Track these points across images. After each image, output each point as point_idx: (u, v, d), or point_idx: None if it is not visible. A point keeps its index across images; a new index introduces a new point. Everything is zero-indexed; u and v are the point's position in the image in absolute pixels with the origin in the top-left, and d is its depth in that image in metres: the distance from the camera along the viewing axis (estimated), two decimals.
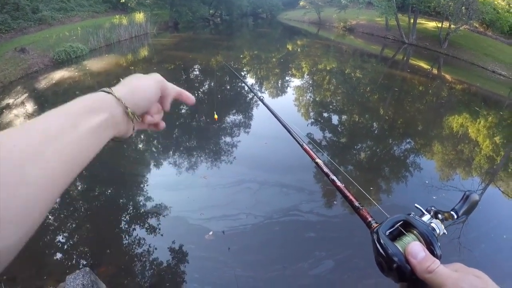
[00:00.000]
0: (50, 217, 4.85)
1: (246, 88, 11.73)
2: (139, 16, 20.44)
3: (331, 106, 10.63)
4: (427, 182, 6.02)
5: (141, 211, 4.97)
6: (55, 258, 4.08)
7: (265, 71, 14.72)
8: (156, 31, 22.11)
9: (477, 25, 21.81)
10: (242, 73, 13.88)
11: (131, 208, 5.07)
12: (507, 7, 20.85)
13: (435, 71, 17.04)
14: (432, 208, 0.59)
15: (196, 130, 8.12)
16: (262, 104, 1.44)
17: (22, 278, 3.64)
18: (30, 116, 8.25)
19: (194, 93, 10.81)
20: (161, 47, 18.68)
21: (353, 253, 4.13)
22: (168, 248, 4.19)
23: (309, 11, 33.33)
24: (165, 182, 5.81)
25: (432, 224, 0.55)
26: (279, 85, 13.06)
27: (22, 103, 9.14)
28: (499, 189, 6.44)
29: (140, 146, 7.39)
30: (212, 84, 11.47)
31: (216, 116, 6.18)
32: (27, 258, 3.68)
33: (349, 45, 23.43)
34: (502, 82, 15.92)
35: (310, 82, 13.39)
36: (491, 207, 5.68)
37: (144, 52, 17.32)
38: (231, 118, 8.64)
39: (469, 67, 17.93)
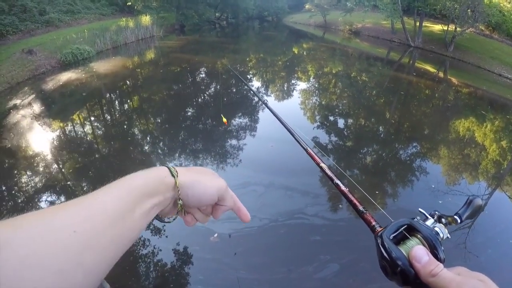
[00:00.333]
0: None
1: (252, 90, 11.74)
2: (146, 19, 20.58)
3: (337, 110, 10.61)
4: (433, 186, 5.98)
5: None
6: None
7: (271, 74, 14.74)
8: (163, 34, 22.23)
9: (483, 28, 21.68)
10: (248, 76, 13.91)
11: None
12: None
13: (441, 74, 16.97)
14: (436, 212, 0.59)
15: (202, 132, 8.14)
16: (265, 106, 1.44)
17: None
18: (37, 117, 8.31)
19: (200, 96, 10.87)
20: (168, 49, 18.78)
21: (358, 257, 4.11)
22: (172, 249, 4.20)
23: (314, 14, 33.32)
24: None
25: (436, 229, 0.55)
26: (285, 88, 13.06)
27: (29, 104, 9.22)
28: (506, 194, 6.39)
29: (146, 147, 7.43)
30: (218, 87, 11.49)
31: (225, 120, 6.18)
32: None
33: (355, 48, 23.39)
34: (508, 85, 15.80)
35: (316, 86, 13.39)
36: (498, 212, 5.65)
37: (150, 55, 17.42)
38: (237, 121, 8.65)
39: (475, 70, 17.82)
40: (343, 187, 0.75)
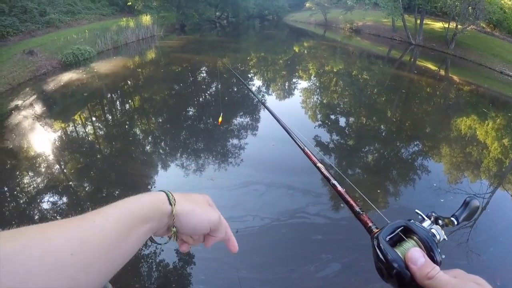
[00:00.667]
0: (58, 217, 4.88)
1: (253, 89, 11.74)
2: (146, 19, 20.57)
3: (338, 108, 10.60)
4: (435, 185, 5.97)
5: None
6: None
7: (272, 73, 14.74)
8: (163, 34, 22.23)
9: (484, 25, 21.63)
10: (249, 75, 13.91)
11: None
12: None
13: (442, 72, 16.94)
14: (433, 214, 0.59)
15: (203, 132, 8.14)
16: (270, 105, 1.45)
17: None
18: (38, 117, 8.32)
19: (201, 95, 10.87)
20: (168, 49, 18.78)
21: (359, 256, 4.11)
22: (174, 249, 4.20)
23: (315, 13, 33.29)
24: (172, 183, 5.82)
25: (433, 230, 0.55)
26: (286, 87, 13.05)
27: (31, 104, 9.23)
28: (508, 192, 6.38)
29: (148, 147, 7.43)
30: (219, 86, 11.48)
31: (220, 120, 6.17)
32: None
33: (355, 47, 23.36)
34: (510, 82, 15.77)
35: (317, 84, 13.38)
36: (500, 210, 5.64)
37: (151, 54, 17.42)
38: (238, 120, 8.65)
39: (476, 68, 17.79)
40: (339, 188, 0.75)
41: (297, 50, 20.95)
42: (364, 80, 14.11)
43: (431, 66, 17.60)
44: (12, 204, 5.28)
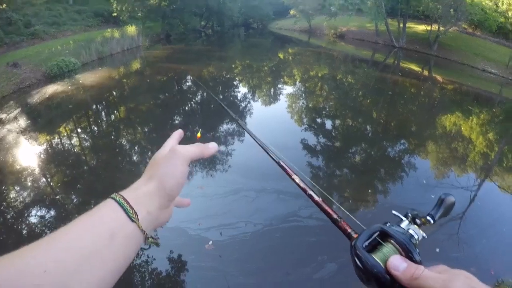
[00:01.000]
0: (46, 231, 4.80)
1: (239, 96, 11.76)
2: (131, 29, 20.51)
3: (324, 112, 10.65)
4: (424, 181, 6.05)
5: None
6: None
7: (257, 80, 14.77)
8: (148, 44, 22.16)
9: (465, 26, 22.10)
10: (234, 82, 13.96)
11: None
12: (494, 7, 21.17)
13: (426, 73, 17.22)
14: (409, 214, 0.58)
15: (189, 140, 8.07)
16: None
17: None
18: (23, 131, 8.20)
19: (187, 104, 10.85)
20: (153, 59, 18.74)
21: None
22: (167, 258, 4.14)
23: (299, 20, 33.55)
24: None
25: (410, 231, 0.54)
26: (271, 93, 13.08)
27: (15, 118, 9.09)
28: (495, 184, 6.50)
29: (135, 157, 7.37)
30: (204, 94, 11.46)
31: (199, 135, 6.13)
32: None
33: (340, 52, 23.62)
34: (492, 80, 16.14)
35: (302, 89, 13.44)
36: (489, 202, 5.74)
37: (136, 65, 17.36)
38: (224, 127, 8.62)
39: (459, 67, 18.15)
40: (316, 198, 0.75)
41: (282, 57, 21.07)
42: (349, 83, 14.26)
43: (414, 67, 17.89)
44: None
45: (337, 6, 25.17)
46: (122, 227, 0.47)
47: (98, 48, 16.83)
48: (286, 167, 0.88)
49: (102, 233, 0.45)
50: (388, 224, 0.55)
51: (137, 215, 0.49)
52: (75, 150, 7.65)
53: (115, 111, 10.62)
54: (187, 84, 13.59)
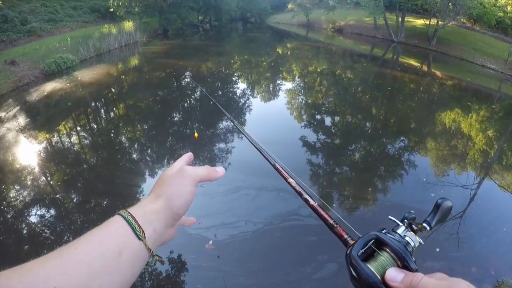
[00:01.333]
0: (46, 230, 4.80)
1: (237, 92, 11.73)
2: (128, 25, 20.39)
3: (323, 108, 10.64)
4: (424, 180, 6.05)
5: None
6: None
7: (255, 75, 14.72)
8: (146, 39, 22.05)
9: (464, 21, 22.05)
10: (233, 78, 13.92)
11: None
12: (493, 1, 21.11)
13: (425, 68, 17.18)
14: (406, 220, 0.57)
15: (189, 137, 8.08)
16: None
17: None
18: (22, 129, 8.18)
19: (186, 100, 10.82)
20: (151, 55, 18.66)
21: None
22: (167, 258, 4.14)
23: (297, 14, 33.40)
24: None
25: (406, 238, 0.53)
26: (270, 88, 13.04)
27: (14, 116, 9.06)
28: (495, 182, 6.50)
29: (134, 155, 7.35)
30: (203, 91, 11.43)
31: (196, 134, 6.12)
32: None
33: (338, 46, 23.55)
34: (492, 75, 16.10)
35: (301, 85, 13.42)
36: (489, 201, 5.74)
37: (134, 61, 17.29)
38: (224, 124, 8.60)
39: (458, 62, 18.10)
40: (312, 202, 0.74)
41: (280, 52, 21.01)
42: (348, 79, 14.22)
43: (413, 62, 17.84)
44: None
45: None
46: (130, 245, 0.48)
47: (95, 44, 16.76)
48: (282, 170, 0.88)
49: (110, 250, 0.45)
50: (384, 231, 0.54)
51: (144, 233, 0.50)
52: (75, 148, 7.64)
53: (114, 108, 10.59)
54: (186, 80, 13.52)
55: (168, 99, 11.15)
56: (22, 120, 8.91)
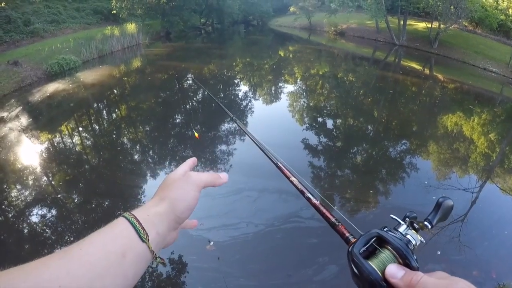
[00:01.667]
0: (47, 230, 4.81)
1: (239, 95, 11.74)
2: (131, 27, 20.45)
3: (325, 111, 10.65)
4: (426, 183, 6.04)
5: None
6: None
7: (257, 78, 14.74)
8: (148, 41, 22.08)
9: (466, 24, 22.03)
10: (235, 81, 13.93)
11: None
12: (495, 4, 21.11)
13: (427, 71, 17.17)
14: (407, 218, 0.57)
15: (191, 139, 8.08)
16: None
17: None
18: (24, 129, 8.20)
19: (188, 102, 10.83)
20: (154, 57, 18.70)
21: None
22: (168, 259, 4.15)
23: (299, 17, 33.44)
24: None
25: (408, 236, 0.53)
26: (272, 91, 13.07)
27: (17, 116, 9.09)
28: (497, 186, 6.48)
29: (136, 156, 7.36)
30: (205, 93, 11.44)
31: (197, 134, 6.13)
32: None
33: (340, 49, 23.54)
34: (493, 79, 16.08)
35: (303, 88, 13.42)
36: (491, 204, 5.73)
37: (137, 63, 17.32)
38: (226, 125, 8.60)
39: (460, 65, 18.08)
40: (314, 200, 0.73)
41: (282, 55, 21.01)
42: (350, 82, 14.23)
43: (415, 65, 17.84)
44: (0, 218, 5.17)
45: (337, 2, 25.03)
46: (133, 247, 0.48)
47: (98, 46, 16.80)
48: (285, 169, 0.88)
49: (114, 251, 0.46)
50: (385, 229, 0.54)
51: (148, 236, 0.50)
52: (76, 149, 7.65)
53: (116, 109, 10.61)
54: (188, 82, 13.53)
55: (170, 101, 11.18)
56: (24, 120, 8.93)
